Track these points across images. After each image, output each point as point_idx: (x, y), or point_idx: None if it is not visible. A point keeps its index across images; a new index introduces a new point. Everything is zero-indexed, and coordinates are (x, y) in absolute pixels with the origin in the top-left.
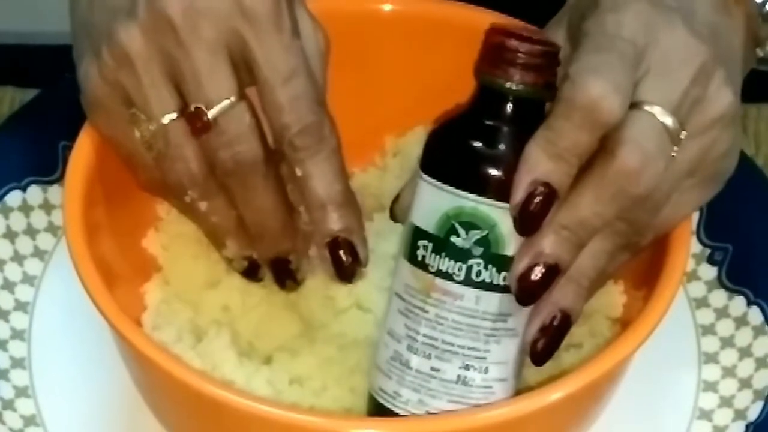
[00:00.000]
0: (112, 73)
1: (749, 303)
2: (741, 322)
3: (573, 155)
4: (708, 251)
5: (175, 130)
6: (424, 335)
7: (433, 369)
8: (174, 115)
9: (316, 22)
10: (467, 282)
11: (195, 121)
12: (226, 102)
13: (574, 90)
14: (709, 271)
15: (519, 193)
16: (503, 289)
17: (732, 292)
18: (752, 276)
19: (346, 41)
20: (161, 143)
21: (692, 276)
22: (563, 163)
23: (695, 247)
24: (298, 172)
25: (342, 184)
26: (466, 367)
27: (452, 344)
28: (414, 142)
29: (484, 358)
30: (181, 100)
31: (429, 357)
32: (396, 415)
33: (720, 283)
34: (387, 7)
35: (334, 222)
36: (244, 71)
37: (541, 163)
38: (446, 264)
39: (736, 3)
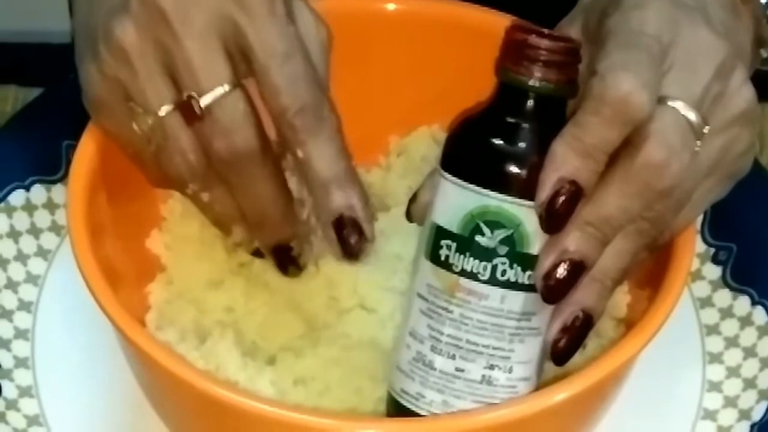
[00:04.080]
0: (111, 70)
1: (754, 303)
2: (745, 321)
3: (600, 152)
4: (712, 251)
5: (172, 122)
6: (449, 335)
7: (457, 369)
8: (170, 107)
9: (317, 15)
10: (492, 281)
11: (188, 110)
12: (220, 90)
13: (604, 86)
14: (714, 271)
15: (545, 191)
16: (528, 288)
17: (736, 291)
18: (757, 276)
19: (349, 41)
20: (159, 136)
21: (697, 275)
22: (590, 161)
23: (699, 246)
24: (300, 154)
25: (345, 163)
26: (491, 367)
27: (477, 344)
28: (418, 142)
29: (509, 357)
30: (178, 92)
31: (453, 357)
32: (420, 416)
33: (724, 282)
34: (391, 7)
35: (338, 200)
36: (240, 60)
37: (568, 160)
38: (471, 263)
39: (743, 4)
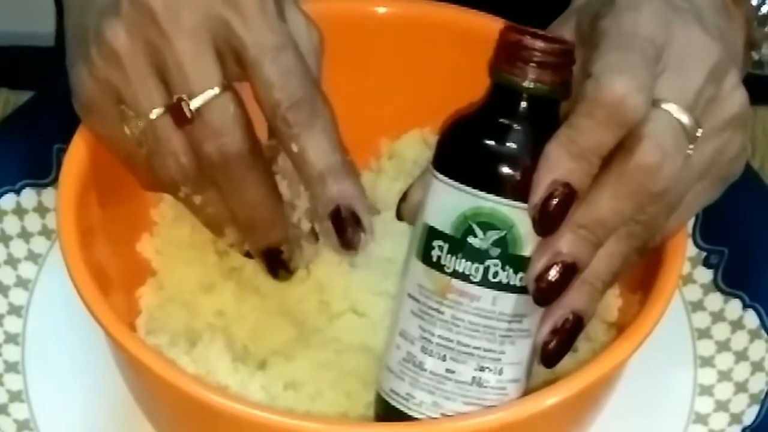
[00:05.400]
0: (102, 73)
1: (745, 306)
2: (737, 325)
3: (594, 154)
4: (704, 254)
5: (163, 125)
6: (440, 337)
7: (448, 371)
8: (161, 110)
9: (308, 18)
10: (484, 283)
11: (178, 113)
12: (210, 93)
13: (598, 88)
14: (705, 275)
15: (538, 194)
16: (520, 290)
17: (728, 295)
18: (748, 279)
19: (340, 43)
20: (151, 139)
21: (688, 279)
22: (584, 163)
23: (691, 250)
24: (294, 148)
25: (339, 155)
26: (482, 369)
27: (468, 345)
28: (409, 145)
29: (500, 359)
30: (168, 94)
31: (444, 359)
32: (409, 417)
33: (716, 286)
34: (382, 10)
35: (335, 191)
36: (231, 60)
37: (562, 162)
38: (463, 265)
39: (736, 6)
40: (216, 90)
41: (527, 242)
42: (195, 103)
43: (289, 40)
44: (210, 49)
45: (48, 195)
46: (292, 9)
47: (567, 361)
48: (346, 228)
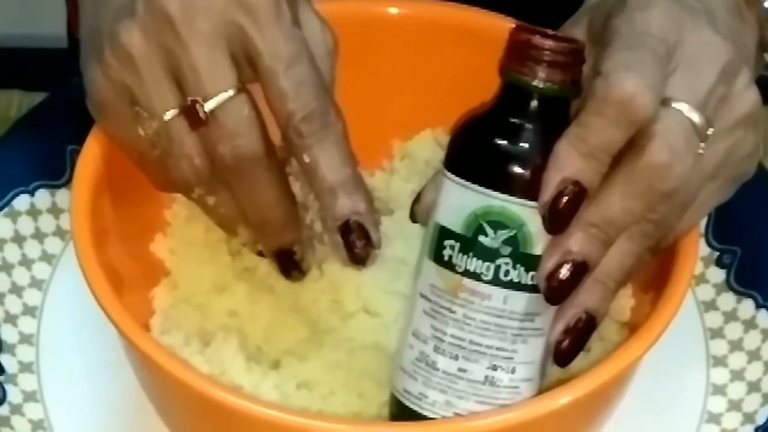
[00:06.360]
0: (116, 74)
1: (758, 306)
2: (749, 325)
3: (604, 153)
4: (716, 254)
5: (177, 127)
6: (452, 336)
7: (460, 370)
8: (176, 111)
9: (323, 20)
10: (495, 282)
11: (193, 115)
12: (225, 95)
13: (608, 87)
14: (718, 274)
15: (548, 192)
16: (531, 289)
17: (740, 295)
18: (761, 279)
19: (352, 44)
20: (164, 141)
21: (701, 279)
22: (594, 161)
23: (703, 250)
24: (306, 159)
25: (350, 168)
26: (494, 368)
27: (480, 345)
28: (421, 146)
29: (512, 358)
30: (183, 97)
31: (456, 358)
32: (422, 417)
33: (728, 286)
34: (394, 11)
35: (345, 205)
36: (246, 65)
37: (571, 161)
38: (474, 264)
39: (748, 7)
40: (230, 92)
41: (538, 241)
42: (209, 106)
43: (303, 49)
44: (225, 53)
45: (62, 196)
46: (307, 12)
47: (580, 361)
48: (355, 243)
